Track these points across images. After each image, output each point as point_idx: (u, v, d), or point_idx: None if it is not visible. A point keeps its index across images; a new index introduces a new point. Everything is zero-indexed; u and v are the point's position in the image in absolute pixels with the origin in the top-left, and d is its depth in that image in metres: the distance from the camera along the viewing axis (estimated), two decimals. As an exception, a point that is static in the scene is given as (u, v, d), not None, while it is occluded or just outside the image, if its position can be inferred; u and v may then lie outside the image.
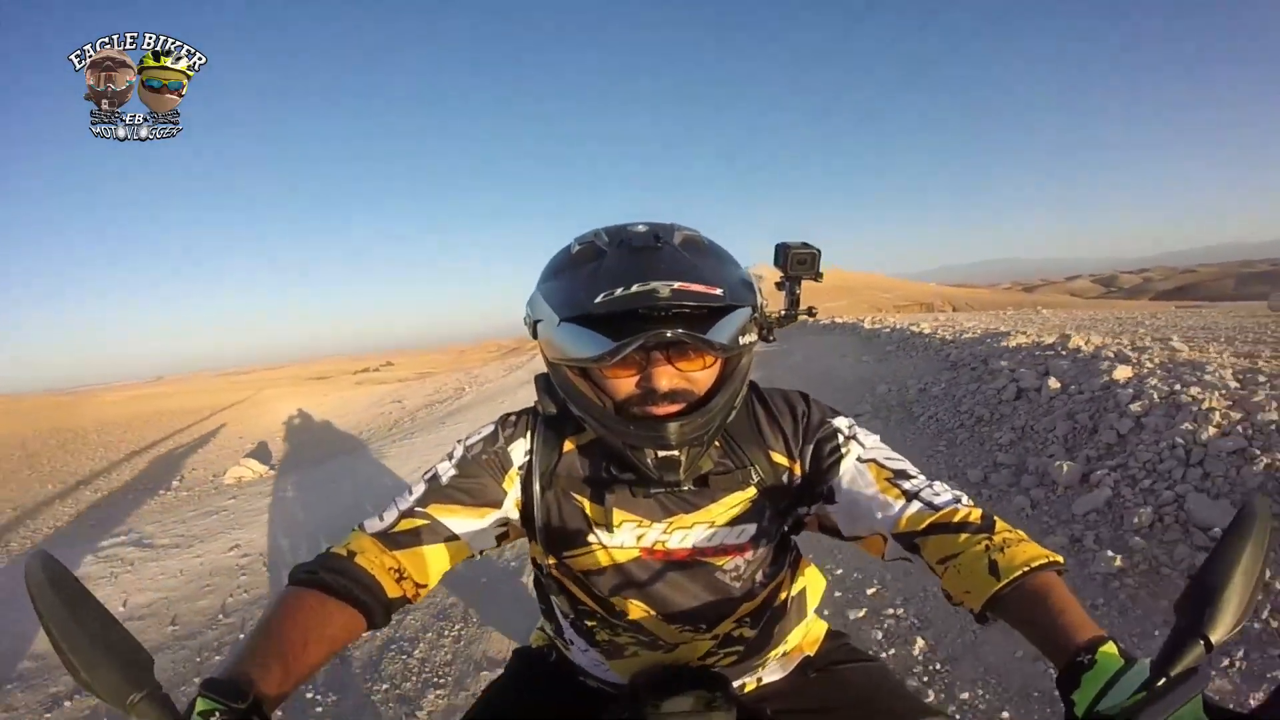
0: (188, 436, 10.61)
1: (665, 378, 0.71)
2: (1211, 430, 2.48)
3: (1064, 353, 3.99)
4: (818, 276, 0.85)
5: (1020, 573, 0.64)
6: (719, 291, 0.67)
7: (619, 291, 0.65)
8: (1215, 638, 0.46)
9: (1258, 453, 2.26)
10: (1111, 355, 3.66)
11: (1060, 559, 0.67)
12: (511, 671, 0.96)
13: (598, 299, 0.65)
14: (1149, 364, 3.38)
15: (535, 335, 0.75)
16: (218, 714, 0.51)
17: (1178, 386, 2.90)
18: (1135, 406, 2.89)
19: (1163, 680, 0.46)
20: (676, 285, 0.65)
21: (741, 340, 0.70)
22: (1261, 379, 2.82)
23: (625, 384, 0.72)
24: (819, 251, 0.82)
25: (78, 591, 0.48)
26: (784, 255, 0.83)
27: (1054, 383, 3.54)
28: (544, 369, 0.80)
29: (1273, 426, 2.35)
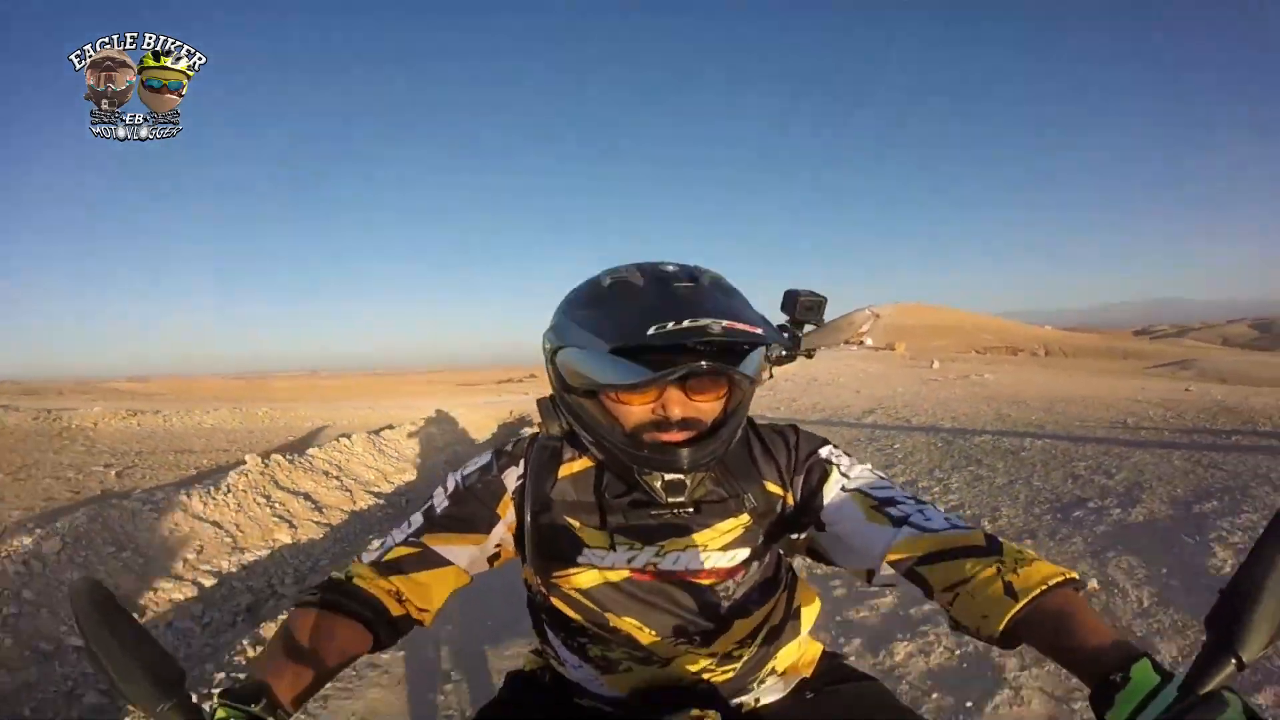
0: (392, 407, 18.30)
1: (679, 406, 0.76)
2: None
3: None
4: (820, 322, 0.91)
5: (1038, 591, 0.64)
6: (760, 331, 0.72)
7: (671, 325, 0.67)
8: (1247, 656, 0.45)
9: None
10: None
11: (1076, 575, 0.66)
12: (504, 694, 0.97)
13: (650, 330, 0.67)
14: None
15: (553, 360, 0.80)
16: (234, 719, 0.55)
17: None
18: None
19: (1191, 699, 0.46)
20: (726, 324, 0.68)
21: (761, 375, 0.78)
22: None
23: (639, 411, 0.76)
24: (825, 299, 0.86)
25: (117, 610, 0.51)
26: (793, 302, 0.87)
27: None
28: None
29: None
